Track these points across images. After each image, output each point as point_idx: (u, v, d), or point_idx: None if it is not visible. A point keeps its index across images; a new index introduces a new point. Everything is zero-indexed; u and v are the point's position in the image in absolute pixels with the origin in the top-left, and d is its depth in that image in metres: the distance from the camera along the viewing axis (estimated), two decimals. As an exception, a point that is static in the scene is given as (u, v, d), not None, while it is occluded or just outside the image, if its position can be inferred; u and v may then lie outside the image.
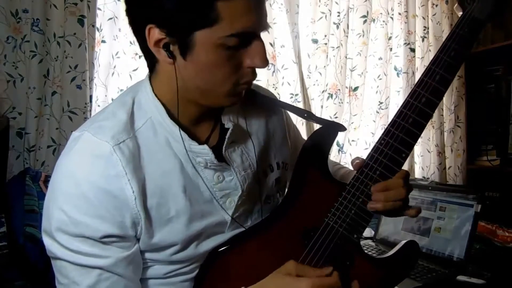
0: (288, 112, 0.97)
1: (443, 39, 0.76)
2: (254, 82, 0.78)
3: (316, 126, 0.89)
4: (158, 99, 0.75)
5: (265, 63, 0.71)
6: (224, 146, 0.79)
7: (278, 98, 1.81)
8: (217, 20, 0.64)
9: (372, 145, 0.80)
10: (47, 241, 0.72)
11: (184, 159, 0.75)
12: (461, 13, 0.77)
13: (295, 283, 0.70)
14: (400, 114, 0.77)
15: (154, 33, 0.67)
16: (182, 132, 0.74)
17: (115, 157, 0.69)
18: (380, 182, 0.77)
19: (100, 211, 0.68)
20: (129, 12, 0.70)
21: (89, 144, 0.71)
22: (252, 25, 0.67)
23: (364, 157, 0.80)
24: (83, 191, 0.68)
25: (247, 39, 0.69)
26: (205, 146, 0.75)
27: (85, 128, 0.73)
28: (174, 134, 0.74)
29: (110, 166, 0.69)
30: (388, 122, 0.79)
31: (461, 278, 1.27)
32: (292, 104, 1.87)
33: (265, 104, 0.92)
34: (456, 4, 0.78)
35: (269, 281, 0.73)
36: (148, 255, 0.75)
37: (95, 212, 0.68)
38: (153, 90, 0.76)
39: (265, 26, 0.71)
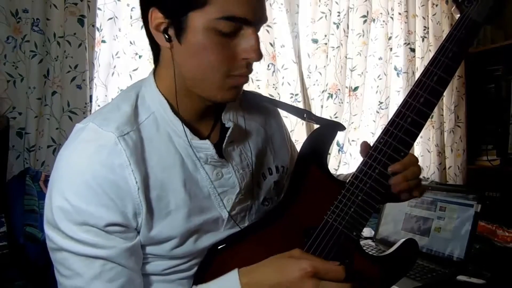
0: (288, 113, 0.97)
1: (443, 39, 0.77)
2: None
3: (317, 126, 0.89)
4: (162, 94, 0.77)
5: (258, 55, 0.71)
6: (224, 143, 0.80)
7: (278, 98, 1.83)
8: (208, 2, 0.66)
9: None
10: (50, 232, 0.71)
11: (185, 154, 0.76)
12: (458, 15, 0.77)
13: (297, 263, 0.69)
14: (399, 113, 0.78)
15: (156, 16, 0.70)
16: (184, 127, 0.75)
17: (120, 147, 0.70)
18: (396, 163, 0.78)
19: (103, 199, 0.68)
20: None
21: (93, 134, 0.71)
22: (244, 10, 0.67)
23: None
24: (87, 180, 0.68)
25: (240, 27, 0.69)
26: (207, 141, 0.76)
27: (89, 119, 0.75)
28: (176, 129, 0.76)
29: (115, 155, 0.70)
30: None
31: (461, 278, 1.27)
32: (292, 104, 1.87)
33: (264, 107, 0.94)
34: (453, 7, 0.78)
35: (270, 261, 0.72)
36: (148, 249, 0.75)
37: (99, 201, 0.68)
38: (157, 86, 0.78)
39: (260, 17, 0.71)
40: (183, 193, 0.75)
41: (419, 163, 0.81)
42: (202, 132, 0.81)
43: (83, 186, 0.68)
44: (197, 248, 0.78)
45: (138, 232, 0.73)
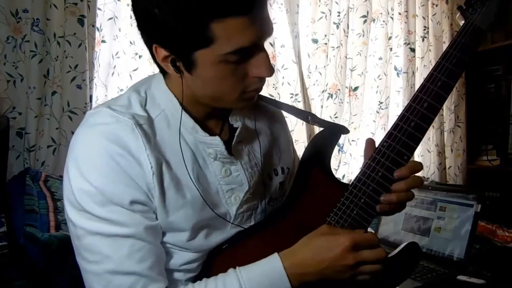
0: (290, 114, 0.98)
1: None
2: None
3: (318, 128, 0.89)
4: (172, 93, 0.78)
5: (270, 72, 0.73)
6: (233, 141, 0.81)
7: (278, 98, 1.83)
8: (214, 40, 0.66)
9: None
10: (75, 216, 0.72)
11: (195, 150, 0.78)
12: (463, 21, 0.78)
13: (335, 240, 0.71)
14: (402, 117, 0.78)
15: (161, 51, 0.71)
16: (195, 124, 0.77)
17: (137, 132, 0.72)
18: (402, 167, 0.77)
19: (123, 178, 0.70)
20: (139, 30, 0.74)
21: (109, 118, 0.73)
22: (250, 40, 0.68)
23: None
24: (106, 159, 0.70)
25: (249, 52, 0.70)
26: (217, 137, 0.78)
27: (101, 106, 0.76)
28: (187, 126, 0.77)
29: (132, 138, 0.71)
30: (389, 123, 0.80)
31: (461, 278, 1.27)
32: (292, 104, 1.87)
33: (270, 109, 0.95)
34: (458, 14, 0.79)
35: (306, 242, 0.74)
36: (167, 237, 0.76)
37: (119, 179, 0.70)
38: (167, 85, 0.79)
39: (267, 35, 0.72)
40: (197, 185, 0.76)
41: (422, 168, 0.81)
42: (211, 130, 0.82)
43: (103, 166, 0.70)
44: (208, 244, 0.79)
45: (156, 216, 0.74)
